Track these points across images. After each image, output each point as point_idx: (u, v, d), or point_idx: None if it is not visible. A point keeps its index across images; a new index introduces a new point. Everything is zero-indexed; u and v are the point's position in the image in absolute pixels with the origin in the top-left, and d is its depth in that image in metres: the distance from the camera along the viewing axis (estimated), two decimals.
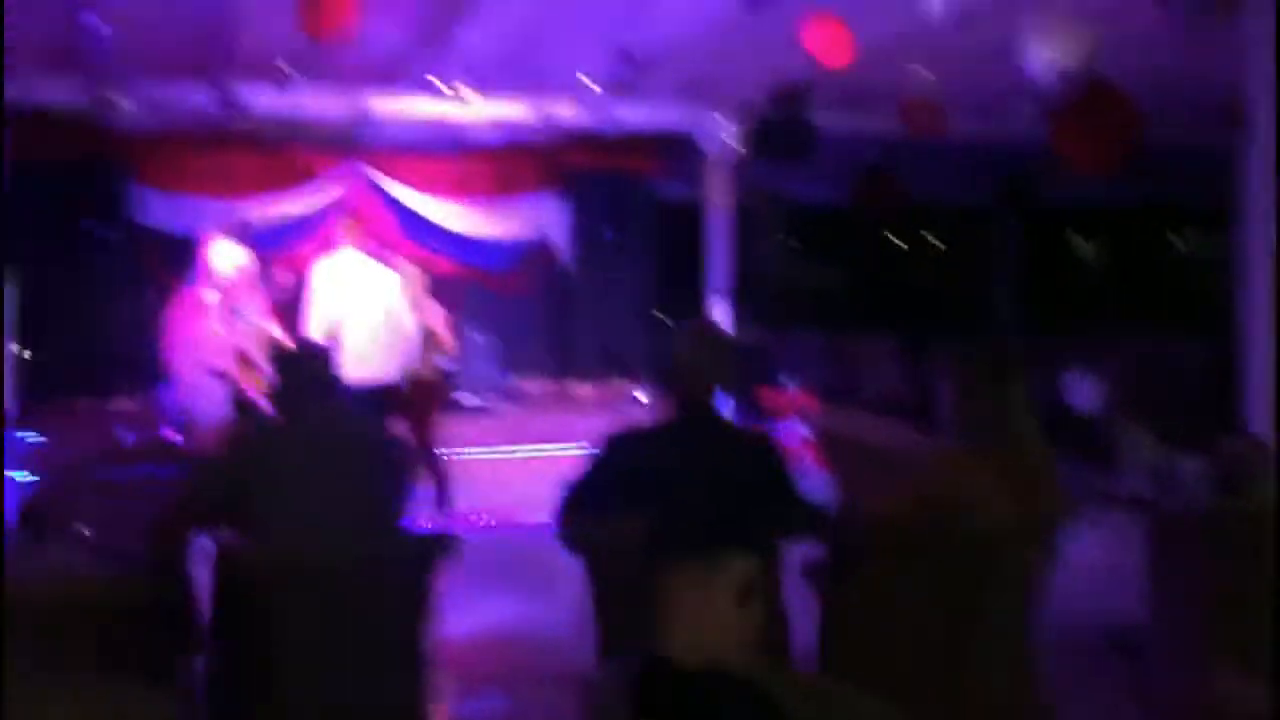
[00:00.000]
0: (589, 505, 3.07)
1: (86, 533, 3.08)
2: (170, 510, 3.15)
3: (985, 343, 4.43)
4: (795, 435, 8.44)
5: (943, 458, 3.15)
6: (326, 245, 8.95)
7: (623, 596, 2.62)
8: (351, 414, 3.97)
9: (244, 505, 3.05)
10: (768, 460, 3.13)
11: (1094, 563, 7.06)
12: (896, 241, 16.08)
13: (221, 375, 7.14)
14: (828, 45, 6.03)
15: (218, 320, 7.20)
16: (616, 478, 3.06)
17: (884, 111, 9.36)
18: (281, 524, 3.03)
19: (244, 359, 7.06)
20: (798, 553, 3.37)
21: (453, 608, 6.14)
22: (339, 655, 2.87)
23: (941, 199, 13.76)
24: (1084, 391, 8.87)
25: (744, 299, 10.63)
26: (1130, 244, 16.13)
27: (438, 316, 7.34)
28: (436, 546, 3.19)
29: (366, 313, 6.38)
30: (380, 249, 8.43)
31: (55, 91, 8.30)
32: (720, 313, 10.10)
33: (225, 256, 7.29)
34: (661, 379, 3.16)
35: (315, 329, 6.27)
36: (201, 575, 3.18)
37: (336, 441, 3.25)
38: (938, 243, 17.02)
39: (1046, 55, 5.93)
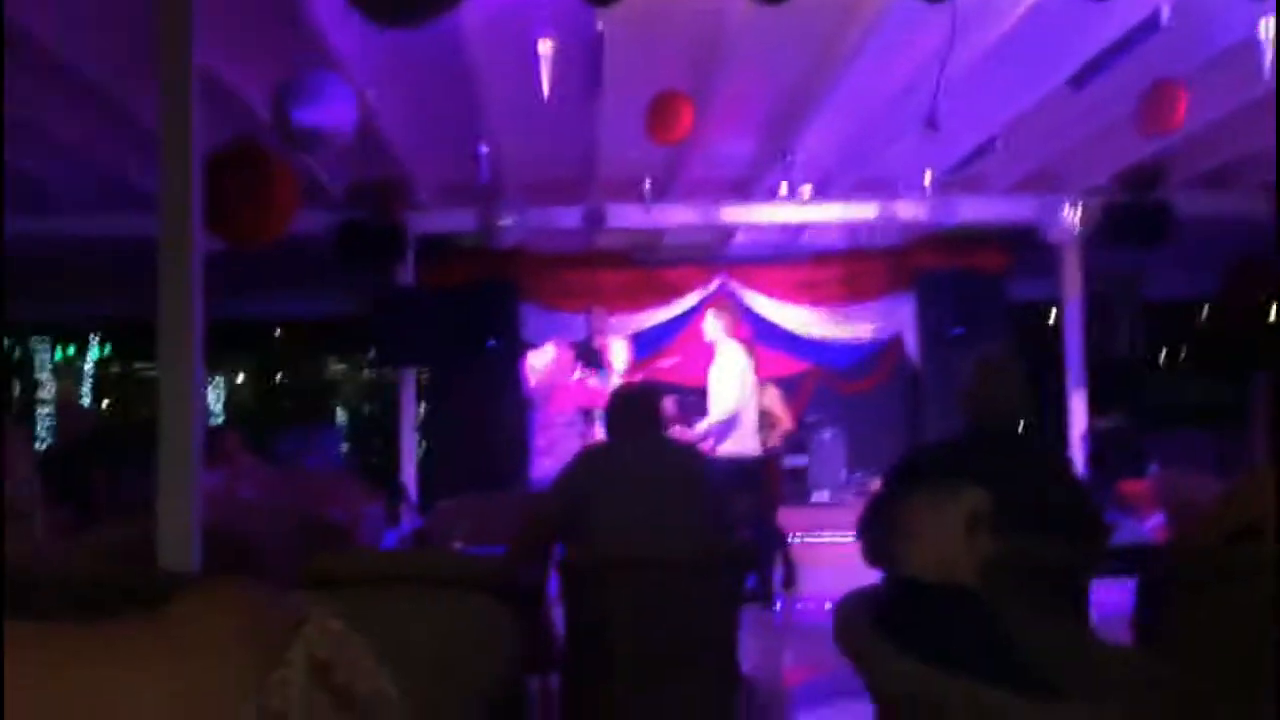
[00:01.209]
0: (887, 515, 3.27)
1: (458, 545, 3.64)
2: (526, 522, 3.69)
3: None
4: (1159, 528, 8.00)
5: (1249, 478, 3.09)
6: (686, 349, 9.63)
7: None
8: (670, 443, 4.43)
9: (581, 515, 3.53)
10: (1060, 472, 3.20)
11: None
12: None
13: None
14: (1160, 112, 5.93)
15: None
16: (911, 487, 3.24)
17: (1250, 192, 8.89)
18: (609, 527, 3.49)
19: None
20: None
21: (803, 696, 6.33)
22: (659, 623, 3.27)
23: None
24: None
25: (1105, 392, 10.23)
26: None
27: (775, 400, 7.95)
28: (742, 553, 3.50)
29: (743, 397, 7.24)
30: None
31: (456, 222, 9.54)
32: (1078, 406, 9.80)
33: (620, 356, 8.23)
34: (959, 403, 3.34)
35: (715, 415, 7.28)
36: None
37: (654, 462, 3.71)
38: None
39: None
